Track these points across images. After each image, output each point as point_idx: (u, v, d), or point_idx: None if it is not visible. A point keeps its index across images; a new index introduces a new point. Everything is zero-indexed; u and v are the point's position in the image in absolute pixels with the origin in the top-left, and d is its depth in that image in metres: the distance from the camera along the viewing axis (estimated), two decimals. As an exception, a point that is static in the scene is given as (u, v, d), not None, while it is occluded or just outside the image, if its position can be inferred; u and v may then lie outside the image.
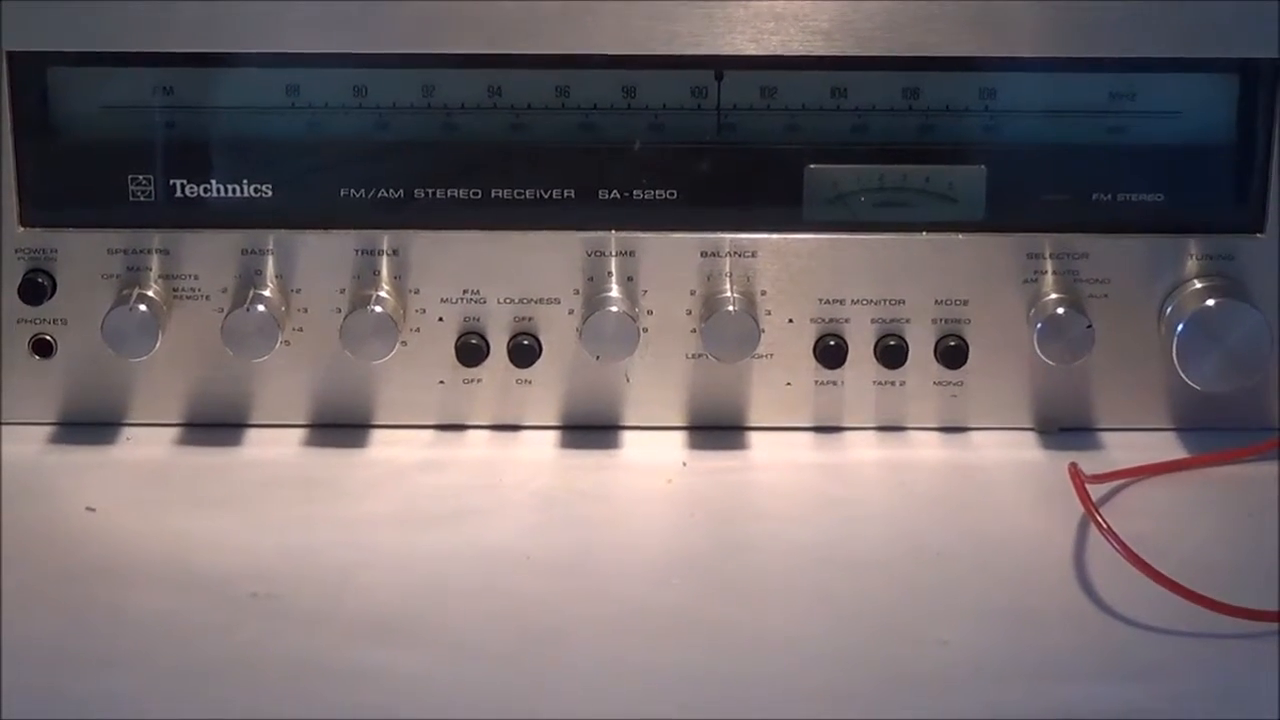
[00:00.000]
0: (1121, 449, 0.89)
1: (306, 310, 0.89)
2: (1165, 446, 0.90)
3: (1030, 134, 0.89)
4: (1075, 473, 0.81)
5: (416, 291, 0.89)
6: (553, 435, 0.91)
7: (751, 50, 0.87)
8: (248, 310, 0.87)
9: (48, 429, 0.91)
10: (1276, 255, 0.89)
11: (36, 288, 0.89)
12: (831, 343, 0.89)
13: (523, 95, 0.88)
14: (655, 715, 0.69)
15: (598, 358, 0.88)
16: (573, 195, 0.89)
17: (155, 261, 0.89)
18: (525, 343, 0.89)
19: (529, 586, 0.78)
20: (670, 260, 0.89)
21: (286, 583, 0.77)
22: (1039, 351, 0.88)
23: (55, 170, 0.89)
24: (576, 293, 0.89)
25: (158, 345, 0.88)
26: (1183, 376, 0.87)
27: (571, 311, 0.89)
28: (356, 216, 0.89)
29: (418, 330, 0.90)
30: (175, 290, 0.89)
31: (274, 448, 0.90)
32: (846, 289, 0.89)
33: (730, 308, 0.87)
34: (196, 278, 0.89)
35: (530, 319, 0.90)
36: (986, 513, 0.85)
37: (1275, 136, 0.88)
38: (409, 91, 0.88)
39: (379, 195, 0.89)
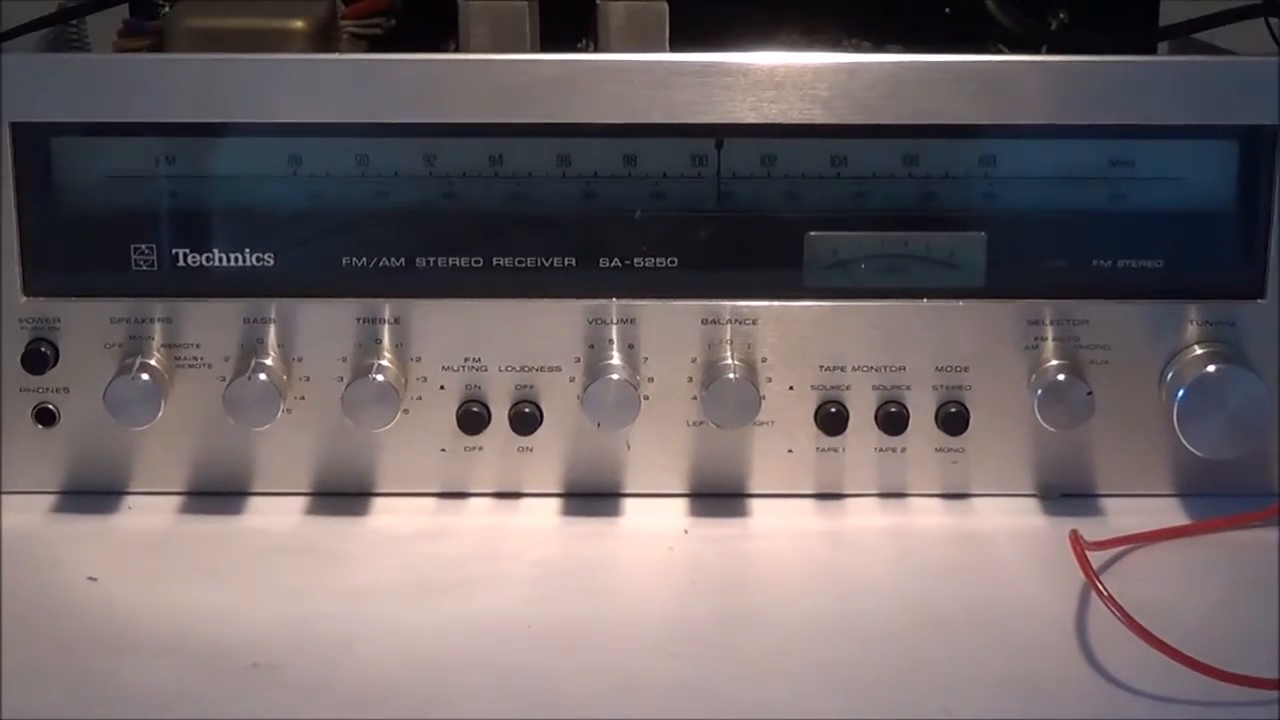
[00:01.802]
0: (1124, 515, 0.89)
1: (308, 379, 0.90)
2: (1167, 512, 0.90)
3: (1030, 200, 0.89)
4: (1076, 540, 0.81)
5: (418, 359, 0.89)
6: (554, 503, 0.91)
7: (751, 118, 0.87)
8: (249, 379, 0.87)
9: (50, 498, 0.91)
10: (1277, 321, 0.89)
11: (39, 357, 0.89)
12: (832, 409, 0.89)
13: (524, 164, 0.88)
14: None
15: (599, 425, 0.88)
16: (574, 263, 0.89)
17: (157, 330, 0.89)
18: (527, 410, 0.89)
19: (529, 657, 0.77)
20: (671, 328, 0.89)
21: (287, 653, 0.77)
22: (1040, 418, 0.88)
23: (58, 240, 0.89)
24: (578, 360, 0.89)
25: (160, 414, 0.88)
26: (1184, 442, 0.87)
27: (573, 379, 0.89)
28: (358, 285, 0.89)
29: (419, 398, 0.90)
30: (177, 359, 0.89)
31: (276, 516, 0.90)
32: (847, 356, 0.89)
33: (731, 375, 0.87)
34: (199, 346, 0.89)
35: (531, 387, 0.90)
36: (989, 580, 0.84)
37: (1275, 202, 0.88)
38: (410, 160, 0.88)
39: (380, 264, 0.89)
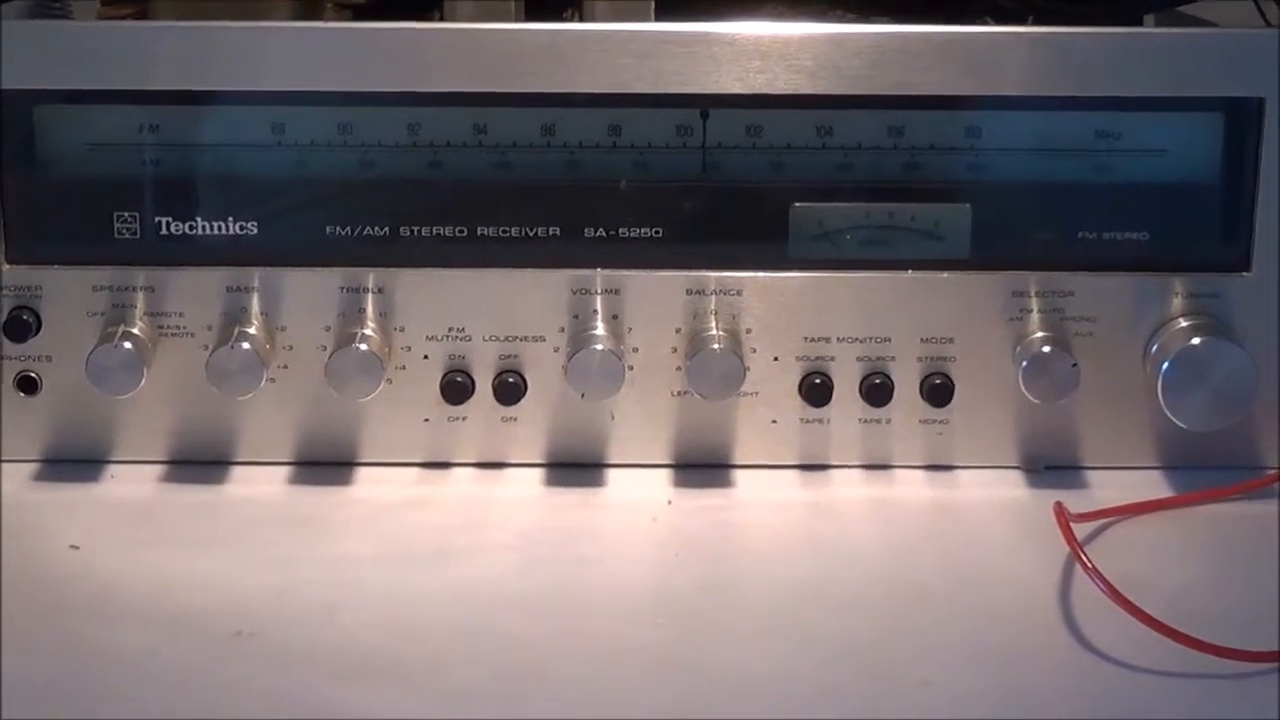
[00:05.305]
0: (1107, 487, 0.89)
1: (291, 348, 0.89)
2: (1151, 485, 0.90)
3: (1016, 172, 0.89)
4: (1060, 512, 0.81)
5: (402, 329, 0.89)
6: (538, 473, 0.91)
7: (737, 89, 0.87)
8: (232, 348, 0.87)
9: (32, 466, 0.91)
10: (1261, 294, 0.89)
11: (21, 325, 0.89)
12: (817, 380, 0.89)
13: (508, 133, 0.88)
14: (639, 755, 0.69)
15: (583, 395, 0.88)
16: (558, 233, 0.89)
17: (140, 299, 0.89)
18: (510, 380, 0.89)
19: (513, 625, 0.77)
20: (656, 298, 0.89)
21: (270, 621, 0.77)
22: (1024, 389, 0.88)
23: (41, 207, 0.89)
24: (562, 330, 0.89)
25: (143, 382, 0.88)
26: (1168, 415, 0.87)
27: (557, 349, 0.89)
28: (342, 254, 0.89)
29: (403, 368, 0.90)
30: (160, 327, 0.89)
31: (259, 485, 0.90)
32: (832, 327, 0.89)
33: (715, 346, 0.87)
34: (181, 315, 0.89)
35: (515, 357, 0.90)
36: (972, 551, 0.84)
37: (1260, 175, 0.88)
38: (394, 129, 0.88)
39: (364, 233, 0.89)
